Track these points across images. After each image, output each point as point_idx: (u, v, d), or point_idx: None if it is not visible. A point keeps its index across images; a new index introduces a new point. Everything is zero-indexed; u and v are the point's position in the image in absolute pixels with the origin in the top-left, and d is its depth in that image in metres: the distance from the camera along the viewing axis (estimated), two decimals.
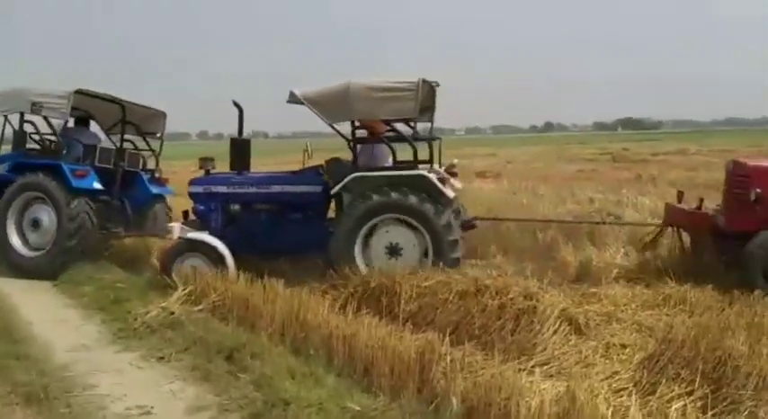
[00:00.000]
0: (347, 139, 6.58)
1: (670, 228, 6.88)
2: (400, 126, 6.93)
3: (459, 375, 3.71)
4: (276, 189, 6.97)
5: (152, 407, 3.86)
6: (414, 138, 6.66)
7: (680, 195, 7.02)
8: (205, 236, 6.60)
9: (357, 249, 6.36)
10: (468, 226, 7.12)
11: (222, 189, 7.04)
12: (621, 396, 3.62)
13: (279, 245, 6.85)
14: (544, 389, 3.50)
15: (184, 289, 5.82)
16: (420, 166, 6.48)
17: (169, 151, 10.46)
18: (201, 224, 7.03)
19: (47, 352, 4.88)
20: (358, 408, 3.54)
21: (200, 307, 5.57)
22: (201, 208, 7.10)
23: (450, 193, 6.35)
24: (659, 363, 3.83)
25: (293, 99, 6.56)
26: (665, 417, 3.26)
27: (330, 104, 6.49)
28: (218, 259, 6.38)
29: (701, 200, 6.73)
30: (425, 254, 6.25)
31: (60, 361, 4.66)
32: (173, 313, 5.39)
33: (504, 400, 3.28)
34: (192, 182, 7.28)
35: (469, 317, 4.86)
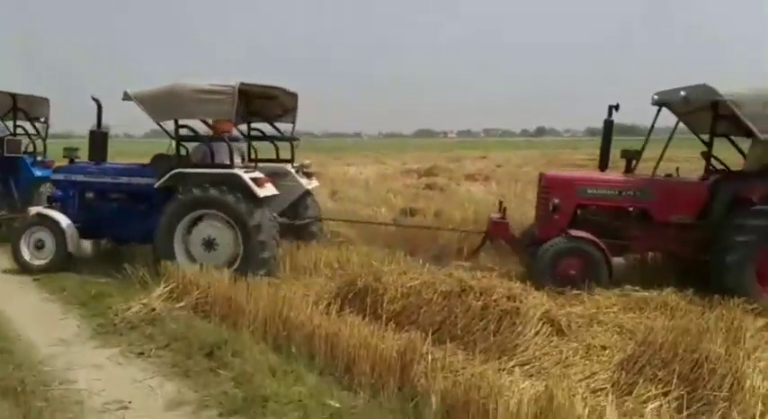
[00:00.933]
0: (171, 137, 7.00)
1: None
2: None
3: (439, 374, 3.71)
4: (124, 180, 7.50)
5: (130, 402, 3.84)
6: (276, 138, 7.88)
7: (500, 205, 7.45)
8: (52, 212, 7.34)
9: (177, 241, 6.74)
10: (306, 223, 7.84)
11: (80, 178, 7.62)
12: (599, 396, 3.66)
13: (125, 233, 7.43)
14: (523, 389, 3.50)
15: (166, 286, 5.79)
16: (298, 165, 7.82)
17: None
18: (61, 209, 7.51)
19: (25, 346, 4.83)
20: (338, 405, 3.55)
21: (181, 303, 5.53)
22: (60, 194, 7.72)
23: (263, 193, 6.60)
24: (637, 364, 3.87)
25: (126, 97, 6.96)
26: (640, 417, 3.30)
27: (156, 104, 6.87)
28: (59, 232, 7.15)
29: (504, 209, 7.27)
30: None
31: (39, 356, 4.62)
32: (154, 309, 5.36)
33: (483, 399, 3.29)
34: (56, 171, 8.00)
35: (453, 318, 4.87)
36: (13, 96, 9.62)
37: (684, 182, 6.86)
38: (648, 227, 6.51)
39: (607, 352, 4.52)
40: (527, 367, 4.22)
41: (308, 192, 8.03)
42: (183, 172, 6.76)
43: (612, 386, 3.80)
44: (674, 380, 3.59)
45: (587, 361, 4.34)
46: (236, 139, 7.48)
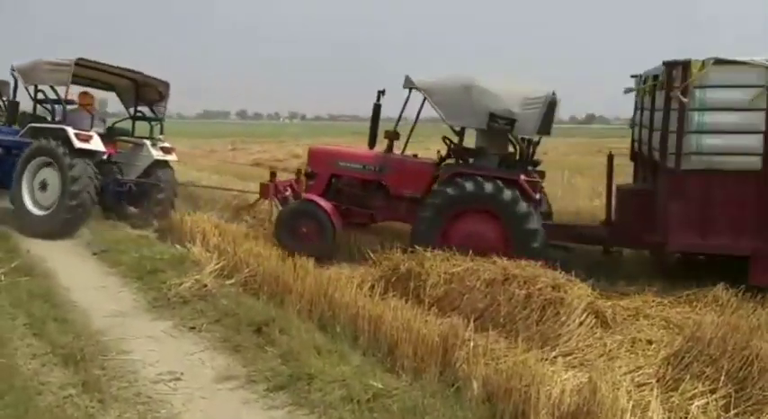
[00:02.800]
0: (30, 98, 9.19)
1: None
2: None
3: (481, 360, 3.76)
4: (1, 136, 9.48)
5: (182, 374, 4.01)
6: (139, 118, 9.99)
7: (272, 175, 8.39)
8: None
9: (24, 181, 8.50)
10: (151, 183, 9.22)
11: None
12: (643, 391, 3.62)
13: (5, 179, 8.82)
14: (565, 379, 3.52)
15: (218, 263, 6.00)
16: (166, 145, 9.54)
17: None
18: None
19: (84, 317, 5.09)
20: (380, 386, 3.62)
21: (231, 281, 5.72)
22: None
23: (80, 145, 8.17)
24: (684, 360, 3.81)
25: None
26: (686, 414, 3.26)
27: (29, 72, 8.93)
28: None
29: (273, 174, 8.35)
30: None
31: (97, 326, 4.86)
32: (205, 285, 5.55)
33: (525, 387, 3.32)
34: None
35: (495, 305, 4.91)
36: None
37: (416, 161, 7.46)
38: (386, 199, 7.24)
39: (653, 346, 4.48)
40: (570, 358, 4.23)
41: (159, 162, 9.40)
42: (35, 126, 8.75)
43: (658, 381, 3.76)
44: (722, 378, 3.53)
45: (632, 355, 4.32)
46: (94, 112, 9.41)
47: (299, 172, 8.25)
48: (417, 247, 5.93)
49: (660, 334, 4.75)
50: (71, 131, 8.20)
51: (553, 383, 3.38)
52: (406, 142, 7.28)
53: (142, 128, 9.96)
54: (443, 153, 7.35)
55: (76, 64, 8.44)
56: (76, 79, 9.15)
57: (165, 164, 9.49)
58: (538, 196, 6.63)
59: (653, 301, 5.47)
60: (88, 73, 9.48)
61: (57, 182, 8.17)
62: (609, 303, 5.16)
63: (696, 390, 3.50)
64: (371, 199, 7.31)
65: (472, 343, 3.98)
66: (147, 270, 6.27)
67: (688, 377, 3.64)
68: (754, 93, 5.42)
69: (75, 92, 9.44)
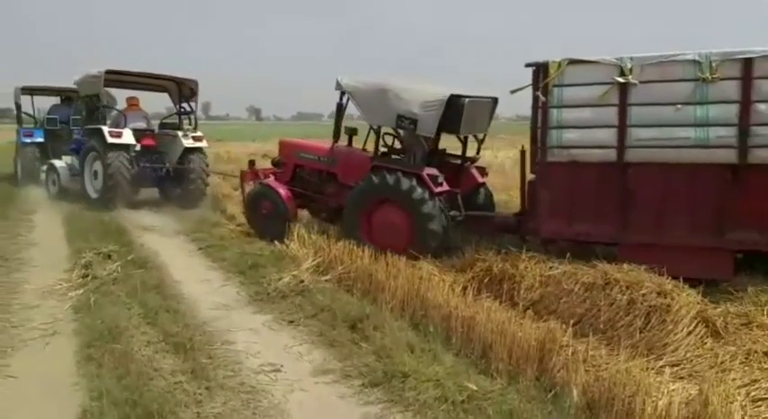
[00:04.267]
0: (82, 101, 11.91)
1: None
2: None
3: (581, 367, 3.63)
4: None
5: (282, 366, 4.16)
6: (182, 113, 11.98)
7: (251, 163, 9.39)
8: None
9: (85, 176, 10.94)
10: (187, 168, 11.15)
11: None
12: (760, 407, 3.37)
13: None
14: (673, 390, 3.34)
15: (314, 260, 6.18)
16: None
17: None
18: None
19: (192, 308, 5.40)
20: (475, 388, 3.59)
21: (327, 277, 5.88)
22: None
23: (111, 140, 10.26)
24: None
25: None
26: None
27: (80, 84, 11.40)
28: None
29: (252, 162, 9.41)
30: None
31: (204, 317, 5.14)
32: (302, 281, 5.73)
33: (629, 397, 3.18)
34: None
35: (595, 311, 4.73)
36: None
37: (358, 155, 7.86)
38: (337, 187, 7.87)
39: None
40: (677, 368, 3.99)
41: (190, 150, 11.14)
42: (88, 128, 11.08)
43: None
44: None
45: (747, 368, 4.00)
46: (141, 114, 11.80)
47: (273, 161, 9.16)
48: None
49: None
50: (105, 130, 10.35)
51: (660, 394, 3.21)
52: (366, 137, 7.78)
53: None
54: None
55: (106, 73, 10.62)
56: (127, 85, 12.04)
57: (197, 150, 11.25)
58: (481, 191, 7.81)
59: (765, 305, 5.03)
60: (126, 78, 11.63)
61: (101, 171, 10.49)
62: (719, 310, 4.80)
63: None
64: (325, 186, 8.07)
65: (571, 349, 3.87)
66: (249, 265, 6.57)
67: None
68: (605, 90, 5.68)
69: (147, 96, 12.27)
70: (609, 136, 5.75)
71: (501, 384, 3.71)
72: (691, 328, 4.36)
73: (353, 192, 7.24)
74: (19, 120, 14.46)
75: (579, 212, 5.97)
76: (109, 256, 6.79)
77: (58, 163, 11.96)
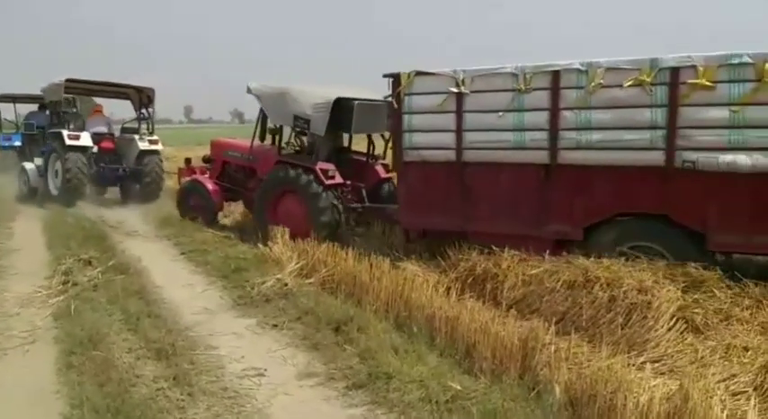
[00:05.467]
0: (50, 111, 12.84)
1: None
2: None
3: (563, 364, 3.65)
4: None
5: (265, 370, 4.14)
6: (142, 118, 13.05)
7: (187, 161, 10.47)
8: None
9: (48, 175, 12.00)
10: (141, 169, 12.40)
11: None
12: (739, 400, 3.42)
13: None
14: (654, 386, 3.36)
15: (297, 263, 6.16)
16: None
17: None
18: None
19: (175, 313, 5.36)
20: (459, 388, 3.60)
21: (310, 280, 5.87)
22: None
23: (70, 142, 11.37)
24: None
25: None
26: None
27: (46, 91, 12.43)
28: None
29: (188, 160, 10.47)
30: None
31: (186, 322, 5.10)
32: (286, 284, 5.72)
33: (611, 394, 3.20)
34: None
35: (577, 308, 4.76)
36: None
37: (272, 152, 8.50)
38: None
39: (749, 353, 4.17)
40: (658, 364, 4.03)
41: (145, 152, 12.26)
42: (51, 131, 12.15)
43: (755, 389, 3.53)
44: None
45: (726, 362, 4.04)
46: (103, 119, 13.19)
47: (204, 158, 10.10)
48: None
49: (757, 340, 4.42)
50: (65, 133, 11.50)
51: (641, 390, 3.23)
52: (274, 137, 8.56)
53: None
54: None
55: (67, 81, 11.69)
56: (89, 92, 13.55)
57: (152, 153, 12.39)
58: (386, 185, 8.52)
59: (746, 304, 5.11)
60: (88, 86, 12.90)
61: (61, 170, 11.50)
62: (699, 308, 4.85)
63: None
64: (248, 181, 8.93)
65: (553, 347, 3.88)
66: (232, 269, 6.54)
67: None
68: (444, 98, 6.33)
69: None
70: (449, 139, 6.40)
71: (485, 383, 3.72)
72: (671, 324, 4.40)
73: (261, 185, 8.27)
74: None
75: (432, 206, 6.68)
76: (89, 262, 6.73)
77: (27, 165, 12.91)
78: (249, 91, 8.33)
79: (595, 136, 5.66)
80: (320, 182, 7.61)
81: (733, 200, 5.22)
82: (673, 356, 4.14)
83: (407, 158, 6.76)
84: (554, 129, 5.82)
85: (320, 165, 7.75)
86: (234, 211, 10.23)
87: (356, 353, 4.22)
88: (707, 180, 5.23)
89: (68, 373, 4.04)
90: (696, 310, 4.65)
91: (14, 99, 16.31)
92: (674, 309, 4.52)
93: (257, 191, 8.29)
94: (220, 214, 9.83)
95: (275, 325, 4.99)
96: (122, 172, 12.51)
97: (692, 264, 5.14)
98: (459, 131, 6.33)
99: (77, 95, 13.32)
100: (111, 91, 13.42)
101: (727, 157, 5.12)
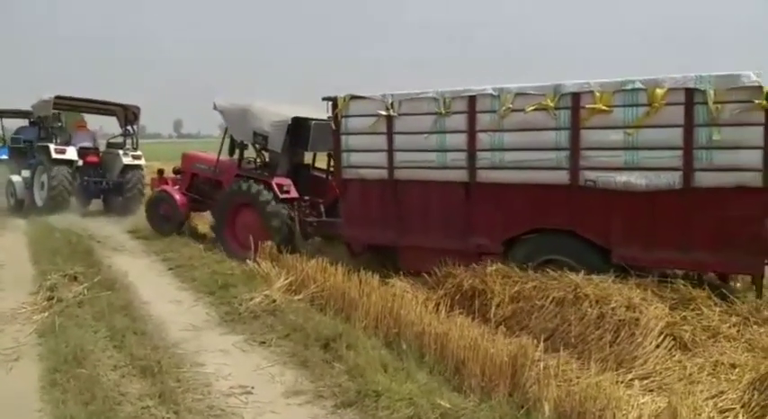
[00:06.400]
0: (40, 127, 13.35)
1: None
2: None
3: (552, 381, 3.64)
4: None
5: (253, 388, 4.10)
6: (127, 134, 13.77)
7: (160, 172, 10.78)
8: None
9: (34, 187, 12.41)
10: (121, 183, 13.00)
11: None
12: (727, 417, 3.43)
13: None
14: (643, 403, 3.36)
15: (286, 279, 6.13)
16: None
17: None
18: None
19: (160, 329, 5.30)
20: (448, 406, 3.57)
21: (299, 296, 5.84)
22: None
23: (56, 156, 12.02)
24: None
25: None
26: None
27: (36, 107, 13.15)
28: None
29: (161, 171, 10.74)
30: None
31: (173, 339, 5.04)
32: (274, 301, 5.68)
33: (600, 411, 3.20)
34: None
35: (566, 325, 4.76)
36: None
37: (234, 165, 8.85)
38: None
39: (737, 370, 4.19)
40: (647, 381, 4.03)
41: (129, 166, 12.82)
42: (39, 145, 12.62)
43: (743, 407, 3.53)
44: None
45: (714, 379, 4.06)
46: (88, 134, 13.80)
47: (174, 170, 10.48)
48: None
49: (744, 357, 4.46)
50: (51, 147, 12.03)
51: (630, 407, 3.24)
52: (241, 152, 8.82)
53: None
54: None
55: (56, 98, 12.31)
56: (77, 108, 14.06)
57: (135, 167, 12.94)
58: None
59: (733, 322, 5.15)
60: (75, 103, 13.41)
61: (46, 182, 11.96)
62: (687, 325, 4.88)
63: None
64: (214, 192, 9.21)
65: (542, 364, 3.87)
66: (219, 285, 6.49)
67: None
68: (375, 121, 6.74)
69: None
70: (382, 158, 6.77)
71: (474, 401, 3.70)
72: (659, 341, 4.41)
73: (221, 196, 8.69)
74: None
75: (369, 221, 7.05)
76: (75, 278, 6.65)
77: (14, 177, 13.37)
78: (215, 107, 8.72)
79: (508, 156, 6.03)
80: (275, 196, 7.97)
81: (632, 217, 5.55)
82: (661, 373, 4.14)
83: (346, 176, 7.15)
84: (471, 149, 6.20)
85: (276, 180, 8.12)
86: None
87: (345, 371, 4.19)
88: (607, 197, 5.57)
89: (52, 391, 3.98)
90: (684, 327, 4.67)
91: (2, 114, 16.96)
92: (662, 326, 4.54)
93: (218, 202, 8.71)
94: (203, 225, 10.00)
95: (263, 342, 4.94)
96: (105, 185, 13.05)
97: (681, 282, 5.22)
98: (390, 151, 6.72)
99: (64, 111, 13.82)
100: (97, 107, 14.02)
101: (623, 177, 5.46)
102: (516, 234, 6.09)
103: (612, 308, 4.67)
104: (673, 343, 4.49)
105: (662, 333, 4.49)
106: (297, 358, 4.56)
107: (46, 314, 5.56)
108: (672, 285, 5.19)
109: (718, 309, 4.96)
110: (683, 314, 4.84)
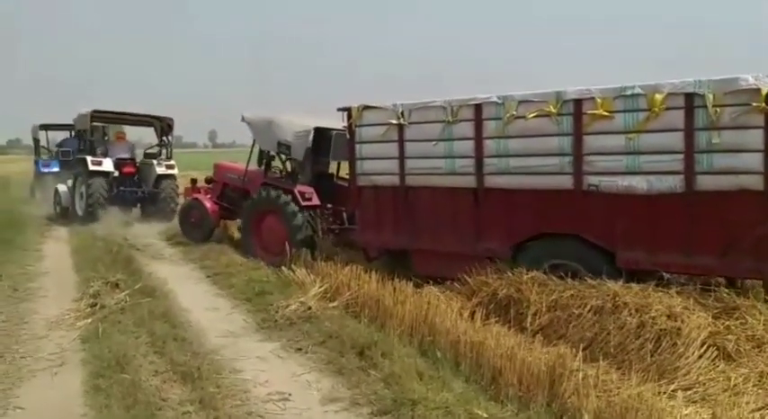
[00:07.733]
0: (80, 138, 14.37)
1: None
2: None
3: (592, 392, 3.59)
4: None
5: (290, 395, 4.13)
6: (162, 145, 14.56)
7: (193, 181, 11.42)
8: None
9: (76, 198, 13.05)
10: (156, 192, 13.54)
11: None
12: None
13: None
14: (686, 415, 3.29)
15: (321, 286, 6.18)
16: None
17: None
18: None
19: (200, 336, 5.40)
20: (486, 415, 3.55)
21: (334, 303, 5.87)
22: None
23: (93, 168, 12.58)
24: None
25: None
26: None
27: (76, 121, 13.89)
28: None
29: (194, 180, 11.44)
30: None
31: (211, 345, 5.13)
32: (310, 308, 5.73)
33: None
34: None
35: (605, 334, 4.68)
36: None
37: (261, 175, 9.23)
38: None
39: None
40: (690, 392, 3.92)
41: (162, 176, 13.43)
42: (78, 157, 13.39)
43: None
44: None
45: (760, 390, 3.93)
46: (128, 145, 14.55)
47: (206, 179, 10.97)
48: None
49: None
50: (89, 159, 12.65)
51: (672, 418, 3.16)
52: (279, 161, 9.21)
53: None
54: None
55: (93, 112, 12.98)
56: (115, 121, 14.62)
57: (168, 177, 13.54)
58: None
59: None
60: (112, 116, 14.06)
61: (84, 192, 12.65)
62: (731, 335, 4.73)
63: None
64: (243, 201, 9.41)
65: (581, 374, 3.82)
66: (255, 292, 6.58)
67: None
68: (386, 129, 6.93)
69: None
70: (394, 165, 6.97)
71: (512, 410, 3.67)
72: (702, 351, 4.30)
73: (247, 204, 9.01)
74: (37, 152, 18.35)
75: (383, 226, 7.23)
76: (117, 285, 6.82)
77: (60, 186, 14.16)
78: (243, 119, 9.10)
79: (513, 162, 6.13)
80: (297, 203, 8.23)
81: (635, 221, 5.54)
82: (704, 384, 4.03)
83: (360, 183, 7.35)
84: (479, 156, 6.32)
85: (299, 188, 8.42)
86: None
87: (381, 378, 4.19)
88: (611, 202, 5.61)
89: (96, 396, 4.08)
90: (728, 337, 4.53)
91: (47, 127, 18.58)
92: (705, 336, 4.42)
93: (244, 210, 9.04)
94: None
95: (299, 349, 4.99)
96: (142, 194, 13.68)
97: (725, 290, 5.09)
98: (401, 159, 6.91)
99: (101, 123, 14.40)
100: (135, 120, 14.76)
101: (625, 181, 5.49)
102: (523, 238, 6.16)
103: (653, 317, 4.57)
104: (716, 352, 4.37)
105: (705, 342, 4.38)
106: (333, 365, 4.59)
107: (89, 320, 5.71)
108: (715, 293, 5.06)
109: (763, 318, 4.80)
110: (727, 323, 4.70)
